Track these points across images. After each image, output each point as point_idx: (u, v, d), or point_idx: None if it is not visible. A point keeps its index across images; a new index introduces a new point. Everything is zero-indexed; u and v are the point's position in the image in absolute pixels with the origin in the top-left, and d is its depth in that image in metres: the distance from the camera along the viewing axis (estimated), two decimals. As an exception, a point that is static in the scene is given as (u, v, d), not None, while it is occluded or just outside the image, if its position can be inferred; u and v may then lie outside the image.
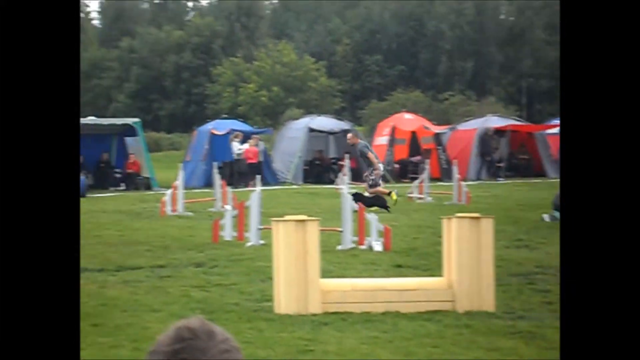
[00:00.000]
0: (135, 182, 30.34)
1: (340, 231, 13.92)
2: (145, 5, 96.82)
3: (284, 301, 9.17)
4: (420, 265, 12.07)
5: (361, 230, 13.89)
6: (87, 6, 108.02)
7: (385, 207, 19.48)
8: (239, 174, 30.69)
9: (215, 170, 22.10)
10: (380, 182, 21.08)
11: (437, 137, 34.50)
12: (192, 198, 22.75)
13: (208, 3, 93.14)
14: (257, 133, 34.12)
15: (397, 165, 34.61)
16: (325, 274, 10.06)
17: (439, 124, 38.31)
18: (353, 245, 13.76)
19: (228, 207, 17.29)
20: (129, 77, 79.84)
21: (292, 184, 31.74)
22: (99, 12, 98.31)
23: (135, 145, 31.47)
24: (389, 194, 20.60)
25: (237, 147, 30.86)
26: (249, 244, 14.13)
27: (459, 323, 8.74)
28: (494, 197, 24.42)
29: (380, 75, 72.73)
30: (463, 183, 23.47)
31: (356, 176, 29.61)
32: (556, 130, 33.02)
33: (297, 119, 40.98)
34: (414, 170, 32.37)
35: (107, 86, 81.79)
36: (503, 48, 72.11)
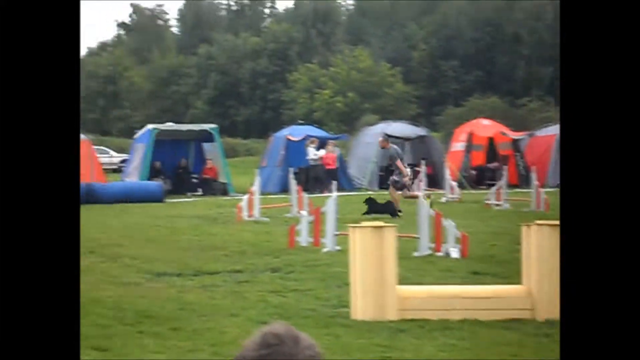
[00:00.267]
0: (212, 187, 30.63)
1: (417, 237, 13.83)
2: (223, 13, 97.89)
3: (361, 307, 9.14)
4: (498, 272, 11.92)
5: (438, 236, 13.78)
6: (166, 14, 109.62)
7: (394, 214, 19.31)
8: (315, 179, 30.76)
9: (291, 176, 22.18)
10: (412, 186, 21.14)
11: (515, 143, 34.11)
12: (268, 203, 22.87)
13: (284, 9, 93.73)
14: (332, 139, 34.16)
15: (473, 172, 34.31)
16: (402, 280, 9.98)
17: (516, 130, 37.84)
18: (430, 251, 13.66)
19: (304, 212, 17.34)
20: (206, 84, 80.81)
21: (368, 189, 31.66)
22: (178, 20, 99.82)
23: (212, 151, 31.79)
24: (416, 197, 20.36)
25: (313, 153, 30.94)
26: (325, 249, 14.13)
27: (538, 332, 8.60)
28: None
29: (456, 81, 72.23)
30: (542, 190, 23.11)
31: (432, 182, 29.44)
32: None
33: (372, 124, 40.94)
34: (491, 177, 32.04)
35: (185, 92, 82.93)
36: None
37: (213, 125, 32.47)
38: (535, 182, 23.11)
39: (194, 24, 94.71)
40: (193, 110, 79.59)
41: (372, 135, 34.50)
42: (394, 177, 20.80)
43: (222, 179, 31.04)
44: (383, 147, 21.94)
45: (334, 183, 16.76)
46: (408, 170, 21.13)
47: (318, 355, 2.07)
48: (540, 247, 9.17)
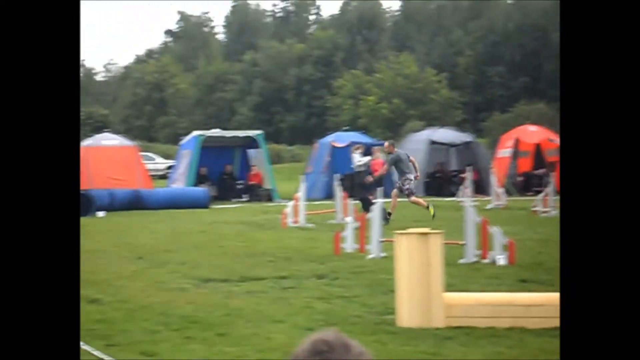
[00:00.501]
0: (258, 193, 30.75)
1: (463, 244, 13.75)
2: (268, 19, 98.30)
3: (407, 314, 9.10)
4: (546, 280, 11.79)
5: (484, 243, 13.70)
6: (212, 21, 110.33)
7: (385, 218, 19.23)
8: (360, 186, 30.71)
9: (337, 182, 22.17)
10: (414, 190, 21.29)
11: (562, 149, 33.77)
12: (313, 210, 22.89)
13: (330, 16, 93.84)
14: (377, 145, 34.09)
15: (520, 178, 34.04)
16: (448, 287, 9.93)
17: (563, 136, 37.40)
18: (476, 258, 13.58)
19: (349, 219, 17.32)
20: (251, 90, 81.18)
21: (413, 196, 31.52)
22: (224, 27, 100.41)
23: (257, 157, 31.92)
24: (427, 207, 20.68)
25: (358, 160, 30.91)
26: (370, 256, 14.11)
27: (587, 341, 8.49)
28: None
29: (503, 87, 71.75)
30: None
31: (478, 189, 29.25)
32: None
33: (418, 131, 40.82)
34: (538, 184, 31.75)
35: (230, 99, 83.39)
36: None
37: (258, 132, 32.60)
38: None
39: (239, 30, 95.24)
40: (238, 117, 79.98)
41: (418, 142, 34.41)
42: (404, 186, 21.03)
43: (267, 185, 31.15)
44: (389, 152, 22.17)
45: (380, 189, 16.70)
46: (412, 176, 21.23)
47: None
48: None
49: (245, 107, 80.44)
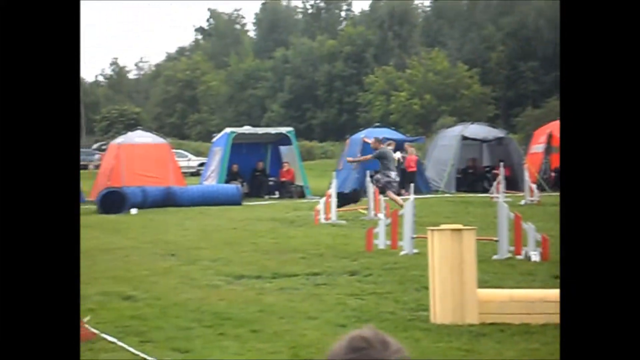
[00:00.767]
0: (289, 190, 30.78)
1: (496, 240, 13.67)
2: (299, 16, 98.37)
3: (440, 311, 9.06)
4: (580, 276, 11.69)
5: (518, 239, 13.61)
6: (243, 18, 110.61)
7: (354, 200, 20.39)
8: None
9: (368, 179, 22.13)
10: (393, 187, 21.55)
11: (596, 144, 33.48)
12: (345, 206, 22.86)
13: (360, 12, 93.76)
14: (409, 141, 34.02)
15: (553, 174, 33.79)
16: (482, 284, 9.88)
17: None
18: (509, 255, 13.49)
19: (381, 215, 17.30)
20: (282, 87, 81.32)
21: (445, 192, 31.46)
22: (255, 24, 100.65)
23: (289, 153, 31.97)
24: (402, 207, 20.59)
25: (390, 156, 30.84)
26: (402, 252, 14.07)
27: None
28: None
29: (535, 82, 71.29)
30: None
31: (511, 184, 29.09)
32: None
33: (449, 127, 40.64)
34: (571, 179, 31.49)
35: (261, 96, 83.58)
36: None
37: (289, 128, 32.64)
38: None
39: (270, 27, 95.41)
40: (269, 114, 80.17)
41: (450, 138, 34.26)
42: (377, 176, 21.35)
43: (298, 182, 31.18)
44: (375, 148, 22.42)
45: (412, 186, 16.65)
46: (393, 174, 21.61)
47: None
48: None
49: (277, 104, 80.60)
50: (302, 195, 30.13)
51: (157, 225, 20.14)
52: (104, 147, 51.65)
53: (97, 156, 56.41)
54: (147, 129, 42.82)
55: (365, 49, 78.62)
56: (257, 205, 27.15)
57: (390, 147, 30.96)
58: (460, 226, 9.58)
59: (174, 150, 36.55)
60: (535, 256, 13.16)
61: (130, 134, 33.13)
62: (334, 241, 16.24)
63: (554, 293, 9.56)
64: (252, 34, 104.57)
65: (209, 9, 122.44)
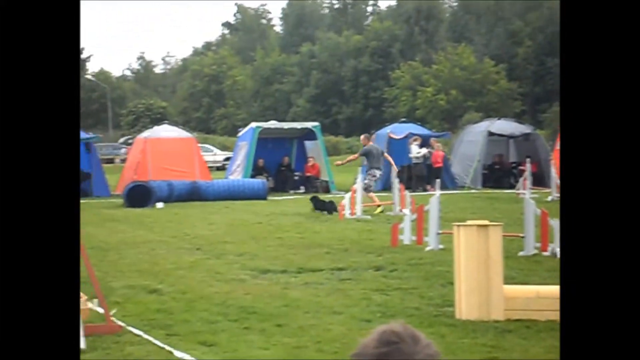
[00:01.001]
0: (315, 185, 30.79)
1: (523, 237, 13.61)
2: (326, 11, 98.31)
3: (466, 307, 9.04)
4: (607, 273, 11.62)
5: (544, 236, 13.54)
6: (270, 13, 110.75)
7: (332, 212, 20.74)
8: (417, 177, 30.62)
9: (394, 174, 22.09)
10: (372, 186, 22.26)
11: (624, 141, 33.22)
12: (370, 201, 22.84)
13: (387, 7, 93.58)
14: (435, 137, 33.93)
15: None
16: (508, 280, 9.84)
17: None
18: (536, 251, 13.43)
19: (406, 211, 17.26)
20: (308, 82, 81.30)
21: (471, 188, 31.36)
22: (281, 19, 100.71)
23: (314, 148, 31.96)
24: (379, 206, 21.61)
25: (416, 151, 30.79)
26: (428, 248, 14.04)
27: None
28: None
29: (562, 78, 70.71)
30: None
31: (538, 181, 28.94)
32: None
33: (476, 122, 40.49)
34: (598, 176, 31.29)
35: (287, 91, 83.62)
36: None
37: (315, 123, 32.63)
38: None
39: (296, 22, 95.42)
40: (295, 109, 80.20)
41: (476, 134, 34.12)
42: (364, 180, 21.91)
43: (324, 177, 31.17)
44: (364, 145, 23.01)
45: (438, 181, 16.61)
46: (378, 173, 22.31)
47: (436, 355, 2.06)
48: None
49: (302, 99, 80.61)
50: (327, 190, 30.12)
51: (182, 220, 20.22)
52: (130, 141, 51.89)
53: (123, 150, 56.74)
54: (174, 123, 42.99)
55: (391, 44, 78.45)
56: (283, 200, 27.19)
57: (416, 143, 30.98)
58: (486, 222, 9.54)
59: (200, 145, 36.65)
60: (561, 253, 13.10)
61: (156, 128, 33.25)
62: (359, 236, 16.24)
63: (581, 290, 9.51)
64: (278, 28, 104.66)
65: (236, 4, 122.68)
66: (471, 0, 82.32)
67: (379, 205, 21.51)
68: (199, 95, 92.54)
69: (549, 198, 25.06)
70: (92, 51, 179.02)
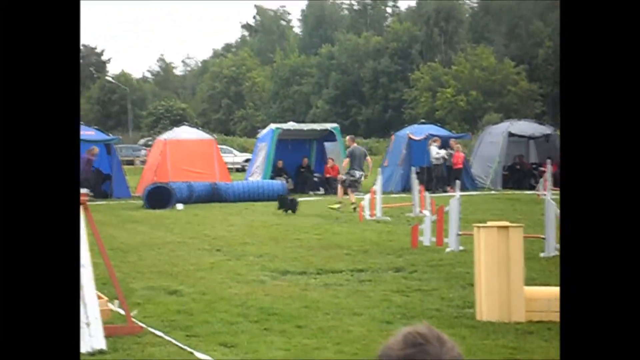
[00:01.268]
0: (334, 186, 30.75)
1: (543, 238, 13.55)
2: (345, 12, 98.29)
3: (486, 308, 9.00)
4: (629, 275, 11.54)
5: (565, 237, 13.45)
6: (289, 14, 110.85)
7: (295, 209, 21.70)
8: (437, 179, 30.54)
9: (413, 175, 22.06)
10: (352, 185, 23.01)
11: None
12: (390, 203, 22.83)
13: (407, 8, 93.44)
14: (455, 138, 33.84)
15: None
16: (529, 281, 9.79)
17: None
18: (557, 252, 13.35)
19: (426, 212, 17.22)
20: (328, 83, 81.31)
21: (491, 189, 31.25)
22: (300, 20, 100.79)
23: (333, 150, 31.95)
24: (353, 204, 22.15)
25: (436, 152, 30.72)
26: (448, 249, 14.00)
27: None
28: None
29: (583, 79, 70.44)
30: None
31: (559, 182, 28.79)
32: None
33: (496, 123, 40.35)
34: (619, 177, 31.11)
35: (306, 92, 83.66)
36: None
37: (334, 125, 32.64)
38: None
39: (316, 23, 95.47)
40: (314, 110, 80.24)
41: (496, 134, 34.01)
42: (342, 177, 23.12)
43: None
44: (347, 146, 23.78)
45: (458, 183, 16.56)
46: (357, 173, 22.98)
47: (461, 356, 2.05)
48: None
49: (322, 100, 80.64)
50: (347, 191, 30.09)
51: (202, 221, 20.26)
52: (150, 142, 52.09)
53: (143, 152, 56.93)
54: (193, 124, 43.16)
55: (411, 45, 78.34)
56: (302, 201, 27.19)
57: (436, 144, 30.91)
58: (507, 223, 9.50)
59: (220, 146, 36.74)
60: (582, 254, 13.02)
61: (176, 129, 33.35)
62: (379, 237, 16.21)
63: (602, 291, 9.45)
64: (297, 30, 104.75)
65: (255, 6, 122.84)
66: (491, 1, 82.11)
67: (353, 204, 22.08)
68: (219, 96, 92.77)
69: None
70: (113, 53, 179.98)
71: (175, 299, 10.25)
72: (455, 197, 14.76)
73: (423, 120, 40.69)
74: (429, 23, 79.14)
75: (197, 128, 36.04)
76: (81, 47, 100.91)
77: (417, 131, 33.17)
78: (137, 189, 29.57)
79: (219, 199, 26.22)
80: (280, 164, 31.15)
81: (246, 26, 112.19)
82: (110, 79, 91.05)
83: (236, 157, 54.52)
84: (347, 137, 24.55)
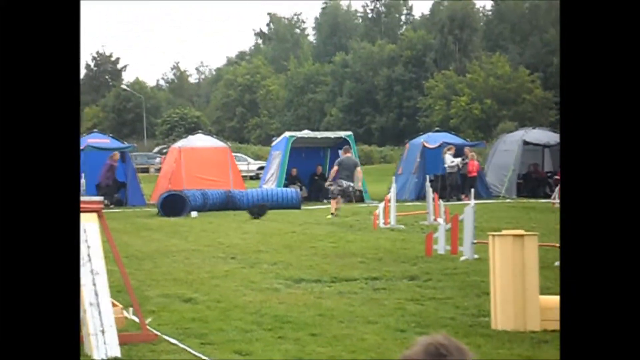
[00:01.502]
0: (348, 194, 30.73)
1: (558, 247, 13.49)
2: (359, 20, 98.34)
3: (501, 317, 8.98)
4: (644, 284, 11.48)
5: (580, 246, 13.41)
6: (303, 22, 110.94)
7: (261, 215, 22.55)
8: (451, 187, 30.49)
9: (428, 184, 22.03)
10: (342, 195, 23.93)
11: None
12: (404, 211, 22.80)
13: (421, 16, 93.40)
14: (470, 146, 33.78)
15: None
16: (544, 290, 9.76)
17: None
18: (572, 261, 13.31)
19: (441, 220, 17.19)
20: (342, 91, 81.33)
21: (506, 197, 31.17)
22: (314, 28, 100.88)
23: (348, 158, 31.92)
24: (337, 209, 23.14)
25: (450, 160, 30.67)
26: (462, 258, 13.97)
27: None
28: None
29: (598, 87, 70.22)
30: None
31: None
32: None
33: (510, 131, 40.26)
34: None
35: (320, 100, 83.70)
36: None
37: (348, 133, 32.63)
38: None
39: (330, 31, 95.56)
40: (329, 118, 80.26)
41: (511, 143, 33.94)
42: (331, 187, 23.91)
43: (357, 186, 31.12)
44: (344, 154, 24.61)
45: (472, 191, 16.54)
46: (345, 183, 23.70)
47: None
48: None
49: (336, 108, 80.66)
50: (361, 199, 30.09)
51: (217, 229, 20.28)
52: (164, 150, 52.21)
53: (158, 159, 57.07)
54: (208, 132, 43.20)
55: (425, 53, 78.29)
56: (316, 209, 27.19)
57: (450, 152, 30.87)
58: (522, 232, 9.48)
59: (234, 154, 36.80)
60: (598, 263, 12.97)
61: (190, 137, 33.43)
62: (393, 246, 16.19)
63: (618, 301, 9.41)
64: (311, 38, 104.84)
65: (268, 13, 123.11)
66: (506, 9, 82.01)
67: (335, 210, 22.94)
68: (233, 104, 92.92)
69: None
70: (128, 60, 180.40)
71: (190, 307, 10.27)
72: (469, 205, 14.73)
73: (437, 129, 40.65)
74: (443, 31, 79.07)
75: (212, 136, 36.11)
76: (96, 55, 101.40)
77: (431, 139, 33.14)
78: (152, 197, 29.65)
79: (234, 206, 26.25)
80: (294, 172, 31.17)
81: (260, 34, 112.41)
82: (125, 87, 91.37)
83: (250, 165, 54.58)
84: (343, 148, 25.12)
